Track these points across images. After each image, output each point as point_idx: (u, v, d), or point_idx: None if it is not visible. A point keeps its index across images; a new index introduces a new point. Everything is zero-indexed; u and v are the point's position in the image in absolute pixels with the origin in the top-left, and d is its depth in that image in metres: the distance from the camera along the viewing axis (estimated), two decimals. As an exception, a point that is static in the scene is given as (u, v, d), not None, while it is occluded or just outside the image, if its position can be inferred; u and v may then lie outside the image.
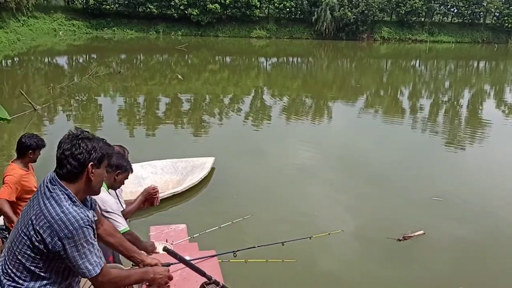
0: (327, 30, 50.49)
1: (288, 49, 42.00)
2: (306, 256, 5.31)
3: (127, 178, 3.66)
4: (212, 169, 8.09)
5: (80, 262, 2.07)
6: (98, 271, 2.12)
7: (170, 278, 2.55)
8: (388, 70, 30.74)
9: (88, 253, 2.08)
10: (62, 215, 2.02)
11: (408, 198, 7.66)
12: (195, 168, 7.93)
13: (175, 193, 7.05)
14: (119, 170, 3.35)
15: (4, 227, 4.37)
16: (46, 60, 27.12)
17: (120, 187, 3.69)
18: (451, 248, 6.09)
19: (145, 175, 7.50)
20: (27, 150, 4.20)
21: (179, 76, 20.68)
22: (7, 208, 4.03)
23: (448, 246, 6.13)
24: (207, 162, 8.08)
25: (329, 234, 4.55)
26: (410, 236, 6.06)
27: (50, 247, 2.02)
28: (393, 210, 7.15)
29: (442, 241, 6.23)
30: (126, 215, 3.79)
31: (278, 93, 19.00)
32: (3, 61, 24.64)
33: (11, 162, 4.30)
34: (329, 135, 12.35)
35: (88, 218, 2.09)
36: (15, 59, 26.03)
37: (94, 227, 2.17)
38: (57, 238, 2.01)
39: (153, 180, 7.54)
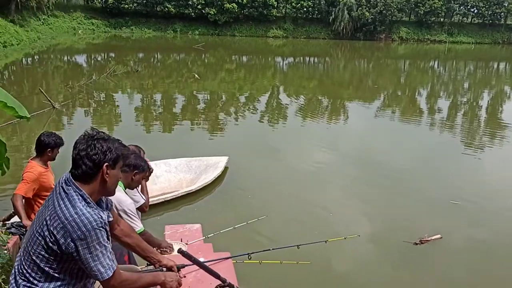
0: (344, 30, 50.18)
1: (305, 49, 41.84)
2: (321, 259, 5.27)
3: (145, 178, 3.67)
4: (226, 168, 8.09)
5: (93, 264, 2.06)
6: (111, 274, 2.11)
7: (180, 283, 2.53)
8: (406, 71, 30.40)
9: (101, 255, 2.07)
10: (76, 216, 2.02)
11: (425, 201, 7.54)
12: (209, 167, 7.96)
13: (189, 192, 7.08)
14: (137, 170, 3.36)
15: (22, 223, 4.43)
16: (65, 58, 27.48)
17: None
18: (469, 253, 5.99)
19: (159, 173, 7.54)
20: (46, 148, 4.25)
21: (196, 75, 20.77)
22: (20, 204, 4.08)
23: (465, 250, 6.03)
24: (221, 161, 8.09)
25: (345, 238, 4.50)
26: (427, 240, 5.97)
27: (63, 248, 2.02)
28: (410, 213, 7.04)
29: (460, 245, 6.12)
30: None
31: (294, 93, 18.93)
32: (24, 59, 25.04)
33: (31, 159, 4.35)
34: (345, 135, 12.26)
35: (101, 220, 2.08)
36: (35, 57, 26.43)
37: (108, 228, 2.17)
38: (70, 239, 2.00)
39: (167, 178, 7.59)
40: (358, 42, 48.65)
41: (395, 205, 7.37)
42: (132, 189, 3.56)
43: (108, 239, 2.16)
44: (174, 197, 6.84)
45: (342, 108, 16.20)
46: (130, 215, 3.18)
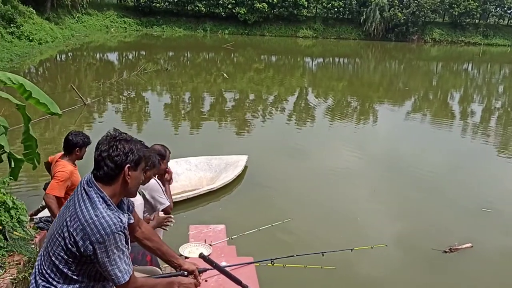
0: (375, 30, 49.44)
1: (335, 50, 41.45)
2: (347, 265, 5.17)
3: (168, 181, 3.68)
4: (245, 167, 8.08)
5: (110, 268, 2.05)
6: (127, 279, 2.10)
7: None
8: (438, 73, 29.71)
9: (118, 260, 2.06)
10: (96, 218, 2.00)
11: (456, 208, 7.33)
12: (229, 165, 8.00)
13: (211, 190, 7.12)
14: (147, 166, 3.37)
15: (50, 219, 4.50)
16: (98, 56, 28.02)
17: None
18: (501, 263, 5.79)
19: (180, 171, 7.60)
20: (74, 147, 4.30)
21: (225, 75, 20.84)
22: (54, 206, 4.13)
23: (497, 260, 5.83)
24: (241, 160, 8.12)
25: (372, 247, 4.38)
26: (457, 249, 5.80)
27: (82, 250, 2.00)
28: (440, 221, 6.85)
29: (491, 255, 5.92)
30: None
31: (323, 94, 18.76)
32: (58, 56, 25.65)
33: (59, 158, 4.41)
34: (373, 138, 12.05)
35: (120, 224, 2.06)
36: (68, 54, 27.05)
37: (127, 232, 2.15)
38: (88, 241, 1.99)
39: (187, 176, 7.64)
40: (390, 43, 47.87)
41: (424, 211, 7.18)
42: (144, 185, 3.58)
43: (126, 243, 2.14)
44: (196, 195, 6.91)
45: (371, 110, 15.94)
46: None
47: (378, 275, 5.39)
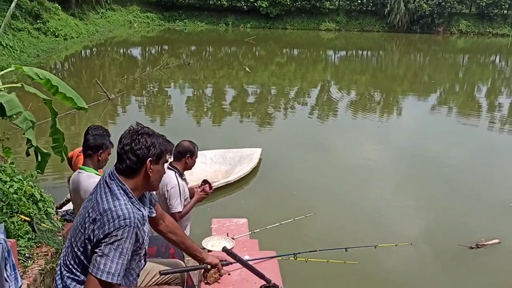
0: (400, 22, 48.53)
1: (358, 42, 40.92)
2: (370, 260, 5.11)
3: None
4: (260, 159, 8.08)
5: (102, 257, 1.99)
6: (103, 278, 1.99)
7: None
8: (465, 66, 29.04)
9: (116, 256, 2.00)
10: (114, 209, 2.02)
11: (483, 203, 7.18)
12: (243, 158, 8.03)
13: (228, 183, 7.16)
14: None
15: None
16: (121, 51, 28.33)
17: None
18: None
19: (195, 164, 7.68)
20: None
21: (247, 69, 20.82)
22: None
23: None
24: (255, 153, 8.16)
25: (396, 245, 4.32)
26: (484, 245, 5.67)
27: (95, 240, 2.02)
28: (466, 216, 6.72)
29: (520, 251, 5.77)
30: (182, 216, 3.85)
31: (346, 87, 18.56)
32: (83, 52, 26.05)
33: (79, 153, 4.48)
34: (398, 132, 11.88)
35: (139, 218, 2.08)
36: (93, 50, 27.42)
37: (145, 227, 2.16)
38: (102, 230, 2.01)
39: (202, 169, 7.69)
40: (414, 35, 46.95)
41: (450, 206, 7.05)
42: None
43: (139, 240, 2.14)
44: (214, 187, 6.92)
45: (395, 104, 15.71)
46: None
47: (403, 271, 5.33)
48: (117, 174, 2.14)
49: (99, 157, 3.75)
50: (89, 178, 3.51)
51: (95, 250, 2.02)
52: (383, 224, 6.31)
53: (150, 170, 2.14)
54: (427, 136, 11.30)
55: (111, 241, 1.99)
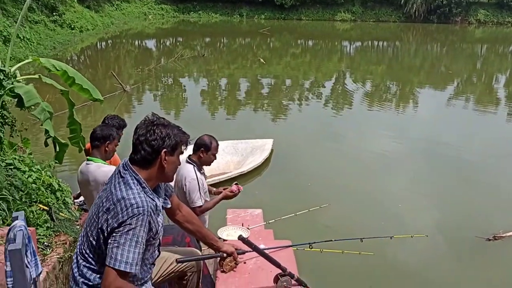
0: (416, 12, 47.73)
1: (374, 33, 40.42)
2: (385, 251, 5.10)
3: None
4: (271, 150, 8.08)
5: (116, 246, 2.00)
6: (121, 269, 2.00)
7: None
8: (483, 56, 28.51)
9: (131, 245, 2.00)
10: (127, 197, 2.03)
11: (500, 195, 7.08)
12: (255, 149, 8.07)
13: (241, 173, 7.19)
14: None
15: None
16: (136, 43, 28.46)
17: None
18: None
19: None
20: (112, 130, 4.40)
21: (261, 60, 20.76)
22: None
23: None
24: (267, 144, 8.18)
25: (412, 237, 4.29)
26: (502, 236, 5.60)
27: (109, 229, 2.03)
28: (483, 208, 6.63)
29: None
30: (204, 211, 3.84)
31: (361, 79, 18.39)
32: (98, 44, 26.23)
33: None
34: (414, 124, 11.74)
35: (152, 207, 2.08)
36: (108, 42, 27.59)
37: (158, 217, 2.17)
38: (115, 219, 2.01)
39: (215, 160, 7.73)
40: (431, 25, 46.18)
41: (467, 198, 6.97)
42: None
43: (152, 230, 2.14)
44: (227, 178, 6.99)
45: (411, 95, 15.52)
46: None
47: (419, 263, 5.30)
48: (131, 165, 2.14)
49: (106, 148, 3.78)
50: (98, 168, 3.55)
51: (110, 241, 2.03)
52: (399, 216, 6.27)
53: (165, 161, 2.14)
54: (444, 128, 11.15)
55: (125, 230, 2.00)
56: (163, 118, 2.22)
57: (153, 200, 2.12)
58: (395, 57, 27.07)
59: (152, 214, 2.10)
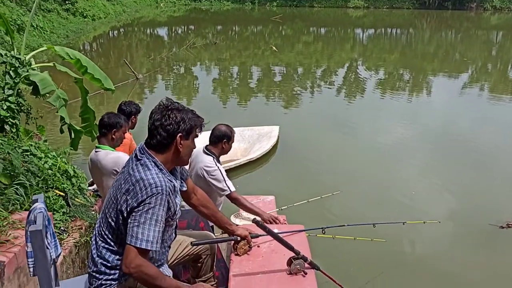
0: (430, -1, 47.08)
1: (387, 20, 39.92)
2: (397, 238, 5.11)
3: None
4: (277, 137, 8.11)
5: (137, 224, 2.04)
6: (142, 247, 2.04)
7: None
8: (499, 43, 28.02)
9: (151, 224, 2.05)
10: (145, 178, 2.07)
11: (515, 183, 7.02)
12: (261, 136, 8.09)
13: (250, 160, 7.25)
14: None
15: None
16: (148, 31, 28.48)
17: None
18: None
19: None
20: (129, 116, 4.46)
21: (273, 48, 20.66)
22: None
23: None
24: (273, 131, 8.20)
25: (424, 222, 4.29)
26: (515, 224, 5.58)
27: (128, 210, 2.08)
28: (497, 196, 6.59)
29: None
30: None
31: (374, 66, 18.24)
32: (110, 32, 26.31)
33: None
34: (427, 112, 11.62)
35: (170, 186, 2.13)
36: (120, 30, 27.64)
37: (176, 198, 2.21)
38: (135, 199, 2.06)
39: None
40: (446, 12, 45.47)
41: (480, 186, 6.93)
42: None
43: (171, 209, 2.18)
44: (236, 165, 7.04)
45: (424, 83, 15.35)
46: None
47: (431, 250, 5.29)
48: (147, 149, 2.19)
49: (113, 136, 3.81)
50: (106, 155, 3.59)
51: (130, 220, 2.08)
52: (411, 203, 6.26)
53: (180, 146, 2.18)
54: (458, 115, 11.05)
55: (145, 209, 2.05)
56: (178, 103, 2.24)
57: (171, 181, 2.16)
58: (408, 45, 26.74)
59: (171, 194, 2.14)
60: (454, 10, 46.48)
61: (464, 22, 39.09)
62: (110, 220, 2.18)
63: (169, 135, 2.15)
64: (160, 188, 2.06)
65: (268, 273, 2.51)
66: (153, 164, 2.14)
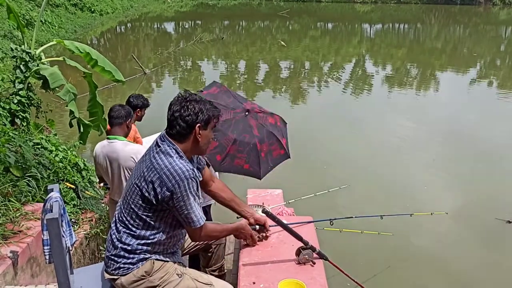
0: (439, -7, 46.69)
1: (395, 15, 39.68)
2: (404, 232, 5.13)
3: None
4: None
5: (186, 212, 2.22)
6: (202, 223, 2.28)
7: (254, 239, 2.70)
8: (508, 38, 27.78)
9: (193, 205, 2.23)
10: (170, 166, 2.17)
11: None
12: None
13: None
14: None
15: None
16: (155, 26, 28.51)
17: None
18: None
19: None
20: (135, 108, 4.50)
21: (281, 42, 20.63)
22: None
23: None
24: None
25: (431, 214, 4.31)
26: (522, 219, 5.59)
27: (159, 197, 2.17)
28: (504, 191, 6.59)
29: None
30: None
31: (381, 62, 18.17)
32: (118, 27, 26.37)
33: None
34: (434, 107, 11.59)
35: (193, 171, 2.22)
36: (128, 25, 27.69)
37: (198, 181, 2.29)
38: (165, 188, 2.15)
39: None
40: (454, 7, 45.11)
41: (487, 180, 6.93)
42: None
43: (198, 191, 2.29)
44: None
45: (432, 78, 15.29)
46: None
47: (437, 245, 5.32)
48: (167, 137, 2.26)
49: (128, 125, 3.84)
50: (126, 146, 3.61)
51: (176, 212, 2.23)
52: (419, 197, 6.28)
53: (199, 135, 2.25)
54: (466, 111, 11.02)
55: (182, 198, 2.18)
56: (195, 94, 2.32)
57: (191, 167, 2.23)
58: (416, 40, 26.58)
59: (196, 177, 2.24)
60: (462, 5, 46.07)
61: (472, 17, 38.77)
62: (133, 206, 2.26)
63: (188, 125, 2.22)
64: (186, 172, 2.17)
65: (277, 263, 2.55)
66: (174, 151, 2.23)
